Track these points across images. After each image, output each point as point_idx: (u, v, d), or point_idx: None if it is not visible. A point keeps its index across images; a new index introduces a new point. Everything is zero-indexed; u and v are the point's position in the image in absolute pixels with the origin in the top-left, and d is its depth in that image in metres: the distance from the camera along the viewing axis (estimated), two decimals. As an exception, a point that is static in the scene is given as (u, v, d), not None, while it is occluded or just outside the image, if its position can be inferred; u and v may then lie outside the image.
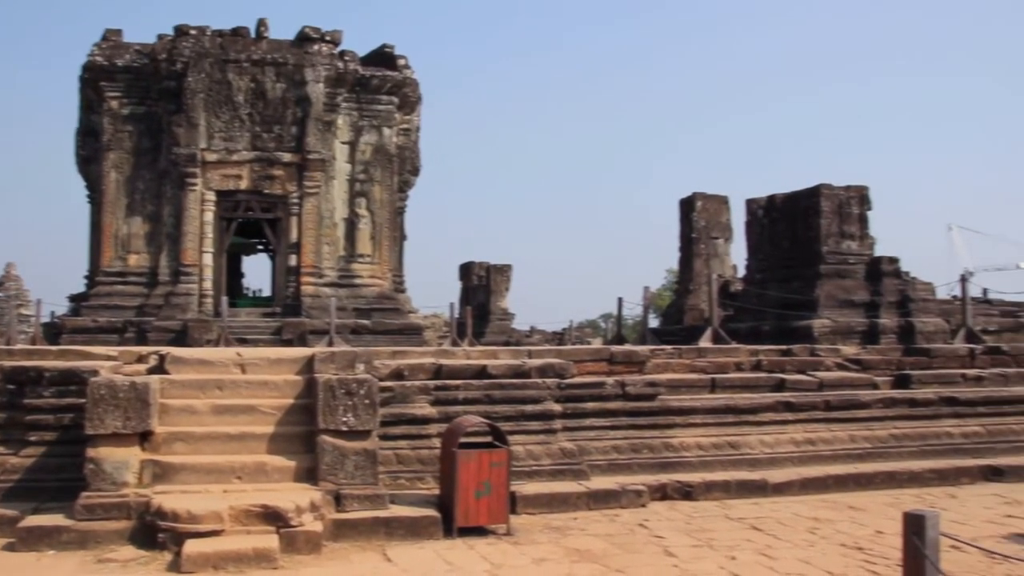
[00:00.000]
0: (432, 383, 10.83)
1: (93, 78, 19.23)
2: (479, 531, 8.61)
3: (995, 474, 12.12)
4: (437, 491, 9.37)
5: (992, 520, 9.51)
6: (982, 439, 13.21)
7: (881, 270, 18.83)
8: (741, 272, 25.09)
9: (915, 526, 4.12)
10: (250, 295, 26.25)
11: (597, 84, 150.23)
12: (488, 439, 9.27)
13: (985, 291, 24.57)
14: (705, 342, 16.97)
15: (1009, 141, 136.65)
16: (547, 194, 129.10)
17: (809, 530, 9.01)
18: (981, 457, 12.71)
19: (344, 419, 8.96)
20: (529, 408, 10.87)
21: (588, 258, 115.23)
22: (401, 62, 20.85)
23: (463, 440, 8.95)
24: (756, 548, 8.20)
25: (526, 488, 9.84)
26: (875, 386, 13.85)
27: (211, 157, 19.04)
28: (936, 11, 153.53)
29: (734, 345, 15.69)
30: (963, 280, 20.30)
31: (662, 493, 10.51)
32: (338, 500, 8.71)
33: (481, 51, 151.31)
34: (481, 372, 11.05)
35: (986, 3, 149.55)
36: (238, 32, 19.55)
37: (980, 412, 13.67)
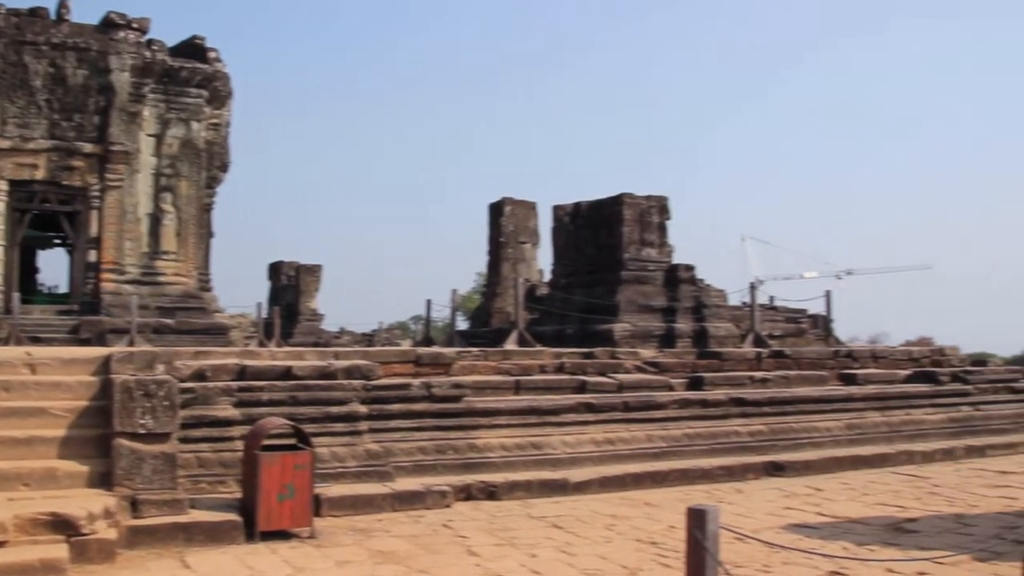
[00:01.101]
0: (236, 384, 10.63)
1: None
2: (282, 535, 8.52)
3: (777, 469, 12.94)
4: (239, 495, 9.21)
5: (773, 512, 10.14)
6: (766, 437, 14.05)
7: (678, 277, 19.83)
8: (548, 276, 25.79)
9: (697, 521, 4.44)
10: (45, 292, 24.84)
11: (412, 86, 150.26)
12: (292, 441, 9.19)
13: (772, 298, 26.30)
14: (511, 344, 17.40)
15: (796, 157, 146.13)
16: (360, 195, 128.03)
17: (607, 527, 9.33)
18: (765, 454, 13.52)
19: (142, 421, 8.68)
20: (335, 410, 10.84)
21: (401, 260, 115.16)
22: (212, 55, 20.29)
23: (266, 442, 8.84)
24: (556, 545, 8.44)
25: (331, 490, 9.81)
26: (671, 388, 14.51)
27: (3, 144, 17.93)
28: (717, 17, 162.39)
29: (539, 348, 16.15)
30: (752, 288, 21.66)
31: (467, 493, 10.67)
32: (135, 506, 8.43)
33: (294, 48, 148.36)
34: (286, 373, 10.94)
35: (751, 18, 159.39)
36: (36, 13, 18.48)
37: (765, 412, 14.55)
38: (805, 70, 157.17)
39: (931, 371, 17.77)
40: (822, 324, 24.58)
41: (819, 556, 7.25)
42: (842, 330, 31.40)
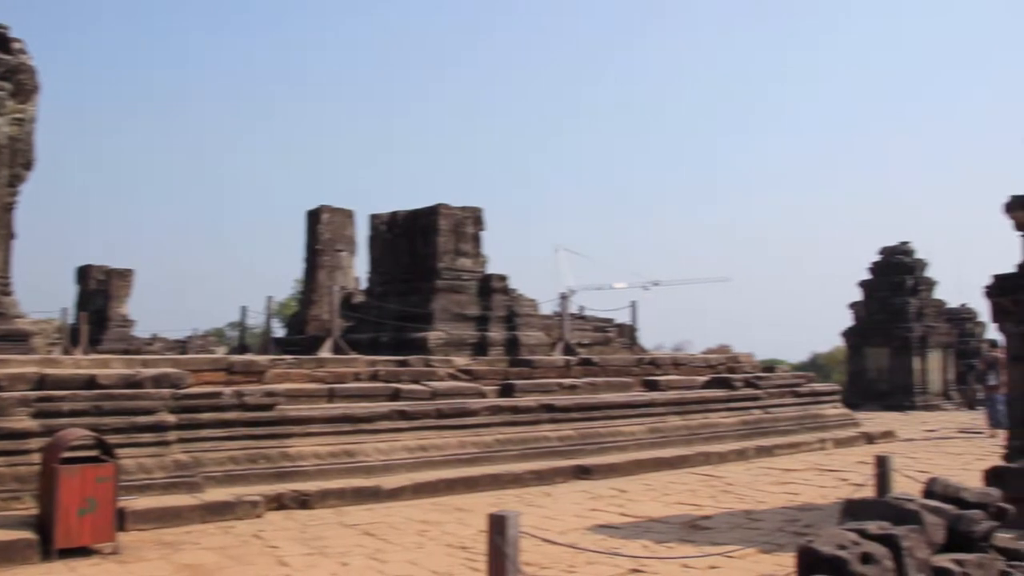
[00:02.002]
0: (34, 394, 10.11)
1: None
2: (83, 551, 8.16)
3: (584, 473, 13.38)
4: (37, 511, 8.78)
5: (580, 514, 10.50)
6: (575, 442, 14.52)
7: (492, 287, 20.24)
8: (365, 284, 25.71)
9: (498, 526, 4.59)
10: None
11: (231, 89, 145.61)
12: (95, 453, 8.84)
13: (581, 308, 27.23)
14: (325, 352, 17.28)
15: (607, 170, 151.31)
16: (176, 199, 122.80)
17: (419, 532, 9.43)
18: (573, 458, 13.94)
19: (-72, 436, 8.16)
20: (141, 420, 10.49)
21: (218, 266, 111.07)
22: (16, 46, 19.03)
23: (67, 455, 8.46)
24: (368, 553, 8.47)
25: (137, 503, 9.48)
26: (483, 395, 14.77)
27: None
28: (531, 28, 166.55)
29: (353, 355, 16.12)
30: (563, 298, 22.39)
31: (279, 503, 10.54)
32: (-82, 525, 7.91)
33: (108, 47, 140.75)
34: (90, 382, 10.49)
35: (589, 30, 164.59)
36: None
37: (573, 417, 15.02)
38: (612, 82, 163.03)
39: (726, 377, 18.90)
40: (628, 333, 25.67)
41: (621, 556, 7.63)
42: (649, 339, 32.95)
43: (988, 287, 10.02)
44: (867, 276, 32.80)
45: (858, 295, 32.90)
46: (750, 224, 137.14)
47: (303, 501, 10.71)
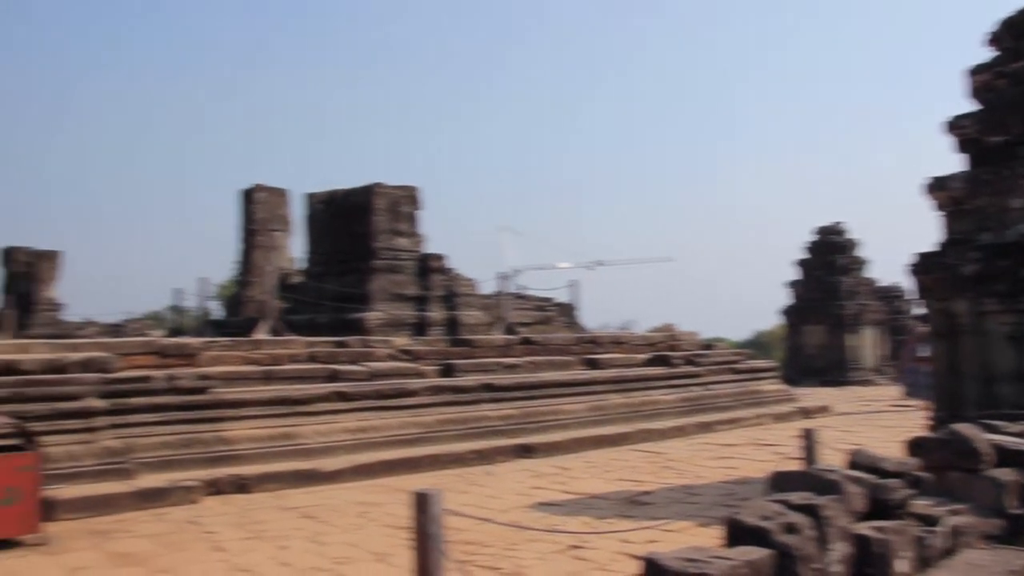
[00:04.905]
0: (-48, 382, 9.81)
1: None
2: (7, 544, 7.94)
3: (526, 451, 13.44)
4: (-45, 503, 8.51)
5: (522, 492, 10.53)
6: (516, 420, 14.55)
7: (430, 266, 20.17)
8: (302, 265, 25.44)
9: (421, 504, 4.55)
10: None
11: (163, 67, 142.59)
12: (16, 441, 8.57)
13: (522, 287, 27.26)
14: (261, 334, 17.06)
15: (548, 149, 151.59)
16: (108, 179, 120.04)
17: (359, 514, 9.38)
18: (515, 437, 13.96)
19: None
20: (68, 406, 10.21)
21: (155, 247, 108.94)
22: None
23: (-13, 444, 8.23)
24: (307, 536, 8.40)
25: (65, 492, 9.25)
26: (423, 375, 14.73)
27: None
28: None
29: (290, 337, 15.93)
30: (503, 277, 22.42)
31: (216, 488, 10.41)
32: None
33: (33, 21, 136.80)
34: (10, 368, 10.19)
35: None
36: None
37: (515, 396, 15.05)
38: (557, 59, 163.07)
39: (667, 355, 19.07)
40: (569, 312, 25.80)
41: (561, 532, 7.65)
42: (593, 318, 33.12)
43: (912, 265, 10.21)
44: (804, 255, 33.35)
45: (796, 274, 33.43)
46: (695, 204, 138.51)
47: (241, 485, 10.60)
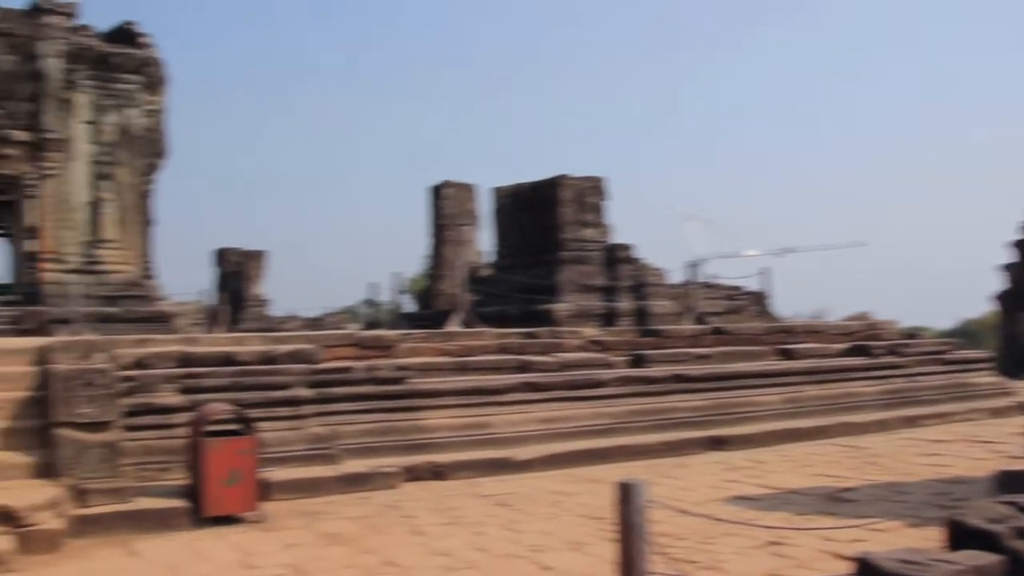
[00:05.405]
0: (178, 371, 10.58)
1: None
2: (230, 520, 8.52)
3: (718, 443, 13.15)
4: (185, 481, 9.18)
5: (715, 485, 10.32)
6: (707, 412, 14.24)
7: (617, 257, 20.08)
8: (489, 258, 25.88)
9: (625, 495, 4.56)
10: None
11: (355, 68, 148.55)
12: (236, 427, 9.18)
13: (712, 276, 26.72)
14: (454, 326, 17.46)
15: (739, 135, 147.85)
16: (307, 180, 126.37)
17: (552, 503, 9.43)
18: (706, 429, 13.70)
19: (83, 411, 8.62)
20: (278, 394, 10.83)
21: (351, 245, 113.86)
22: (144, 40, 19.93)
23: (210, 428, 8.83)
24: (502, 523, 8.53)
25: (278, 474, 9.81)
26: (612, 366, 14.65)
27: (-66, 133, 17.45)
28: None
29: (481, 328, 16.23)
30: (692, 266, 22.06)
31: (413, 474, 10.71)
32: (80, 495, 8.37)
33: (228, 32, 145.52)
34: (229, 359, 10.90)
35: None
36: (-40, 0, 18.02)
37: (706, 387, 14.74)
38: (747, 45, 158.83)
39: (866, 345, 18.23)
40: (760, 301, 25.09)
41: (759, 527, 7.40)
42: (785, 307, 32.04)
43: None
44: (1020, 236, 31.02)
45: (1011, 256, 31.14)
46: (889, 186, 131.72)
47: (437, 472, 10.88)
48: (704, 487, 10.24)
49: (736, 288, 25.08)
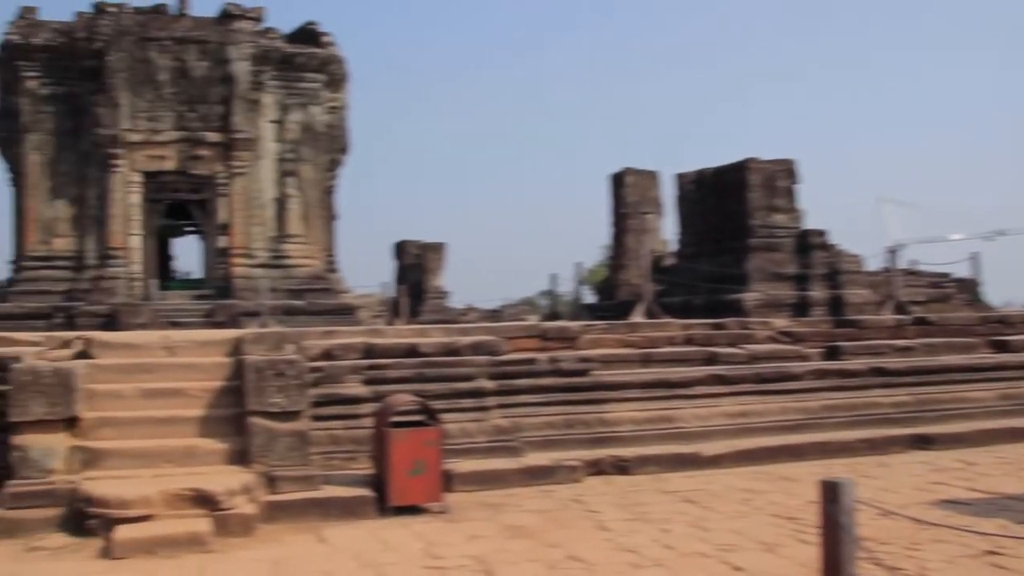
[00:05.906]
0: (363, 362, 10.76)
1: (9, 58, 18.73)
2: (414, 510, 8.58)
3: (923, 442, 12.32)
4: (371, 471, 9.31)
5: (920, 487, 9.66)
6: (910, 408, 13.38)
7: (809, 243, 19.25)
8: (673, 246, 25.39)
9: (830, 493, 4.22)
10: (181, 278, 25.85)
11: (532, 61, 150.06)
12: (421, 417, 9.23)
13: (913, 262, 25.22)
14: (637, 317, 17.17)
15: (940, 115, 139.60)
16: (483, 171, 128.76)
17: (742, 501, 9.08)
18: (910, 426, 12.86)
19: (274, 400, 8.87)
20: (462, 386, 10.84)
21: (527, 235, 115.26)
22: (326, 39, 20.67)
23: (395, 419, 8.90)
24: (689, 520, 8.25)
25: (461, 466, 9.81)
26: (806, 358, 14.02)
27: (135, 137, 18.72)
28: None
29: (666, 319, 15.90)
30: (891, 252, 20.85)
31: (597, 468, 10.53)
32: (271, 482, 8.62)
33: (408, 28, 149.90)
34: (412, 350, 11.00)
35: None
36: (159, 9, 19.24)
37: (908, 382, 13.85)
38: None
39: (1098, 335, 16.61)
40: (969, 288, 23.50)
41: (972, 534, 6.80)
42: (995, 295, 29.84)
43: None
44: None
45: None
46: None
47: (621, 467, 10.64)
48: (908, 488, 9.59)
49: (942, 275, 23.56)
